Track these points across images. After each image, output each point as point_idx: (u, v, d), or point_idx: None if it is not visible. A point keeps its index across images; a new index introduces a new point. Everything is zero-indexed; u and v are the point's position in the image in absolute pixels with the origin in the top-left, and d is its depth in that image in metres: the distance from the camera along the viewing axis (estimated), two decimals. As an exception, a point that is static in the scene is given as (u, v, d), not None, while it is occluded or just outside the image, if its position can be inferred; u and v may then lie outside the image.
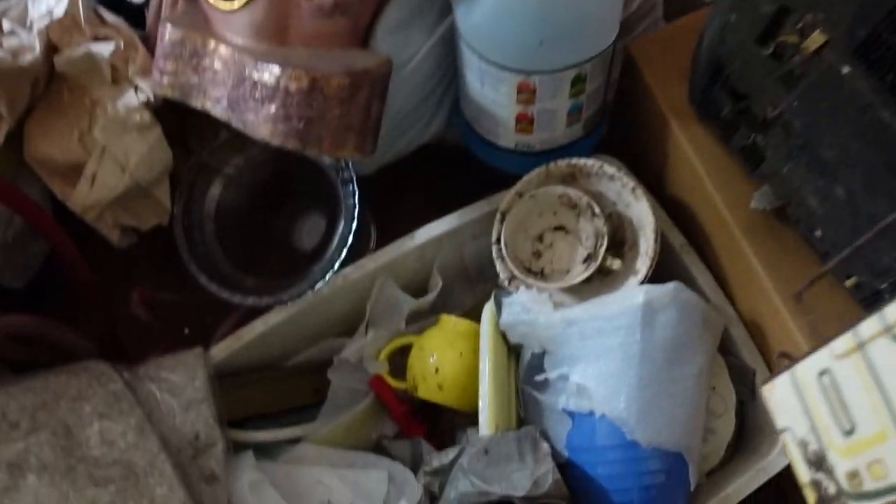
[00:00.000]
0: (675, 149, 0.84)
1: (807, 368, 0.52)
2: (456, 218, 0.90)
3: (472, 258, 0.95)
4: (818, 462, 0.52)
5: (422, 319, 0.95)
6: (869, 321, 0.47)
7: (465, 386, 0.86)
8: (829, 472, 0.51)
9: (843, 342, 0.49)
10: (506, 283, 0.88)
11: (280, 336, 0.91)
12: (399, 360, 0.95)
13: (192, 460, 0.80)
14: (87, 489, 0.73)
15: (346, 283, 0.89)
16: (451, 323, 0.90)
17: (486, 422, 0.81)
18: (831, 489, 0.51)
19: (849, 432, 0.49)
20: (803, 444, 0.54)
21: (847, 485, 0.49)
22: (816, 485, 0.52)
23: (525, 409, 0.87)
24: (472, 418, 0.85)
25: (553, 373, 0.82)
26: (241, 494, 0.80)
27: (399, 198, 1.11)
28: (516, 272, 0.84)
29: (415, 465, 0.87)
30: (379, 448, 0.92)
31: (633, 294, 0.78)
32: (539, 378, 0.83)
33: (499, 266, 0.88)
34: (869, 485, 0.47)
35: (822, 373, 0.51)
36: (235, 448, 0.85)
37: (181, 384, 0.84)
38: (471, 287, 0.99)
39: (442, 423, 0.96)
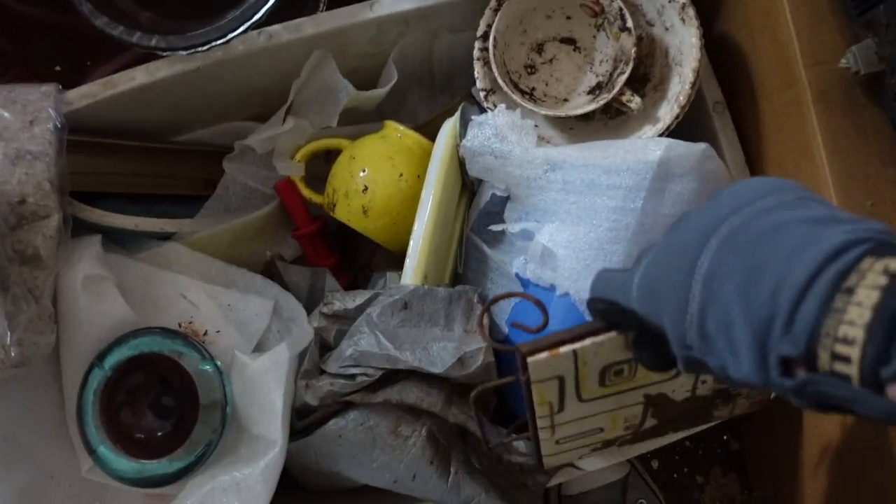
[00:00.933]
0: (753, -35, 0.61)
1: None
2: (435, -6, 0.66)
3: (442, 57, 0.72)
4: None
5: (360, 123, 0.73)
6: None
7: (396, 216, 0.66)
8: None
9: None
10: (481, 95, 0.65)
11: (169, 97, 0.67)
12: (320, 168, 0.74)
13: (9, 231, 0.58)
14: None
15: (269, 46, 0.65)
16: (397, 133, 0.69)
17: (413, 267, 0.62)
18: None
19: None
20: None
21: None
22: None
23: (465, 265, 0.68)
24: (397, 260, 0.66)
25: (515, 225, 0.62)
26: (70, 288, 0.60)
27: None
28: (501, 82, 0.62)
29: (311, 302, 0.68)
30: (270, 271, 0.72)
31: (647, 146, 0.57)
32: (494, 228, 0.63)
33: (478, 71, 0.65)
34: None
35: None
36: (82, 230, 0.64)
37: (14, 126, 0.61)
38: (432, 96, 0.76)
39: (358, 259, 0.76)
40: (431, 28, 0.69)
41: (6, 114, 0.61)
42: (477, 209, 0.66)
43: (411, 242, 0.62)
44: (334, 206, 0.68)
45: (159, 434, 0.60)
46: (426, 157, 0.67)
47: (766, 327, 0.31)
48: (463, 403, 0.59)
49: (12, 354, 0.53)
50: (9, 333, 0.53)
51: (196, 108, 0.71)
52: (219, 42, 0.63)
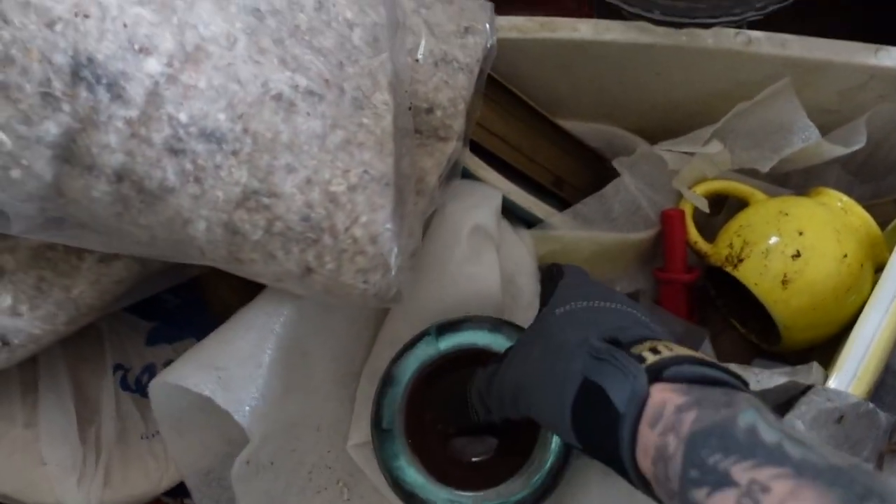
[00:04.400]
0: None
1: None
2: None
3: (903, 142, 0.59)
4: None
5: (777, 182, 0.60)
6: None
7: (821, 301, 0.52)
8: None
9: None
10: None
11: (592, 67, 0.57)
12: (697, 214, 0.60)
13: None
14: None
15: (740, 51, 0.53)
16: (839, 203, 0.55)
17: (859, 375, 0.47)
18: None
19: None
20: None
21: None
22: None
23: (875, 391, 0.53)
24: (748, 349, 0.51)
25: None
26: (452, 231, 0.47)
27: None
28: None
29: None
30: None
31: None
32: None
33: None
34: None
35: None
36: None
37: (447, 27, 0.50)
38: (850, 184, 0.63)
39: (713, 326, 0.61)
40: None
41: (441, 9, 0.50)
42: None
43: (856, 341, 0.48)
44: (739, 261, 0.54)
45: (474, 459, 0.45)
46: (870, 243, 0.54)
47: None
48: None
49: (392, 274, 0.40)
50: (395, 252, 0.40)
51: (599, 92, 0.59)
52: (699, 22, 0.52)
